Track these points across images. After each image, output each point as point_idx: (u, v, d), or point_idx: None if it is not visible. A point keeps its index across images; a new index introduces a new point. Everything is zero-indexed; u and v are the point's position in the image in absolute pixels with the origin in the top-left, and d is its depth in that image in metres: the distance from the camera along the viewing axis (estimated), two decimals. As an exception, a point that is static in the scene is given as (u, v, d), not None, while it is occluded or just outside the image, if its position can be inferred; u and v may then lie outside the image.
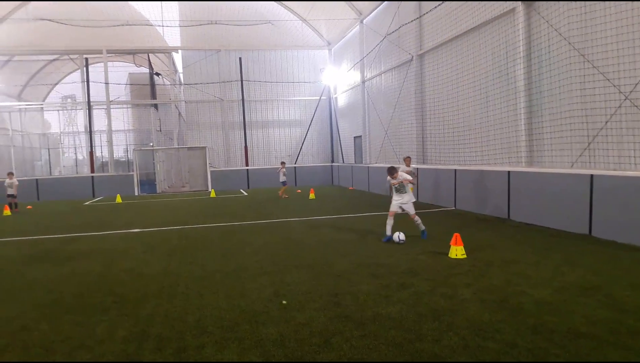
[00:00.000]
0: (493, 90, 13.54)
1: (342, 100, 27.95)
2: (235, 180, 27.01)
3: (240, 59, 27.36)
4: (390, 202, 9.91)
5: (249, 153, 27.90)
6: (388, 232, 9.46)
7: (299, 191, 20.01)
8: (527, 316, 5.11)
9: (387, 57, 20.79)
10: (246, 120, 27.79)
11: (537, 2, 11.76)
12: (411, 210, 9.60)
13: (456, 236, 8.09)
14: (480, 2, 13.92)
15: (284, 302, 5.83)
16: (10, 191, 18.89)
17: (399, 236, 9.23)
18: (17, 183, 19.33)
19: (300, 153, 28.47)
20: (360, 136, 24.67)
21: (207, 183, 26.72)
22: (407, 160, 13.99)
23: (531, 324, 4.87)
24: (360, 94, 24.14)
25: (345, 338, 4.67)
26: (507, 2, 12.66)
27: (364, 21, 23.17)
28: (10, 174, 19.59)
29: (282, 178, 20.13)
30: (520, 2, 12.15)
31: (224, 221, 13.72)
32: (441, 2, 15.62)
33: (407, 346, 4.45)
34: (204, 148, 27.01)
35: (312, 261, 8.06)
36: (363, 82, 23.71)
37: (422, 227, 9.66)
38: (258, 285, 6.71)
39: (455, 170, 14.65)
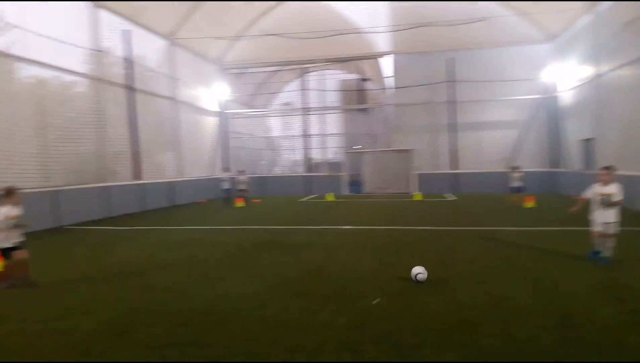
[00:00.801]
0: None
1: (566, 99, 24.98)
2: (441, 184, 26.51)
3: (450, 59, 26.77)
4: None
5: (457, 156, 27.09)
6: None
7: (516, 198, 18.48)
8: None
9: (625, 50, 17.81)
10: (455, 122, 27.04)
11: None
12: (614, 230, 7.78)
13: None
14: None
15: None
16: (241, 186, 21.92)
17: (418, 275, 7.00)
18: (247, 179, 22.35)
19: (515, 156, 26.42)
20: (590, 139, 21.70)
21: (413, 185, 26.83)
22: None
23: None
24: (590, 92, 21.19)
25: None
26: None
27: (595, 10, 20.30)
28: (242, 171, 22.73)
29: (514, 183, 18.65)
30: None
31: (430, 225, 13.50)
32: None
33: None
34: (410, 150, 27.19)
35: (533, 275, 7.29)
36: (594, 78, 20.80)
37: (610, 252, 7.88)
38: (474, 294, 6.35)
39: None
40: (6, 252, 7.06)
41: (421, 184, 26.45)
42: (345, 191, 27.72)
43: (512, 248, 9.63)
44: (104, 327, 5.31)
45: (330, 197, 23.92)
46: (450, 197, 23.45)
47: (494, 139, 27.10)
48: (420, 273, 6.99)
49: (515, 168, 19.06)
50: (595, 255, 8.04)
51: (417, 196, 23.51)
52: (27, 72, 15.24)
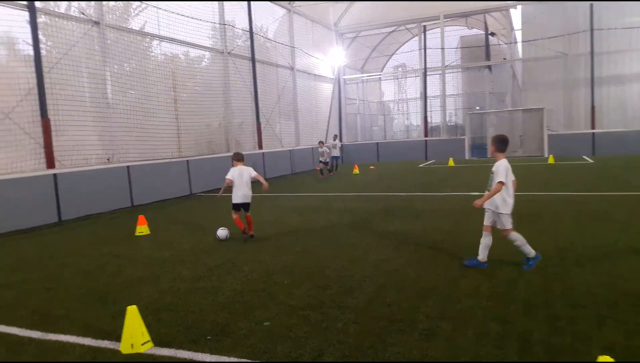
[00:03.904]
0: None
1: None
2: (577, 145, 23.99)
3: (591, 5, 23.72)
4: None
5: (596, 114, 24.28)
6: (480, 254, 5.90)
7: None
8: None
9: None
10: (595, 76, 24.13)
11: None
12: (502, 224, 5.75)
13: None
14: None
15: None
16: (322, 158, 21.03)
17: (223, 233, 8.30)
18: (328, 151, 21.22)
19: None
20: None
21: (544, 148, 24.69)
22: None
23: None
24: None
25: None
26: None
27: None
28: (321, 143, 21.58)
29: None
30: None
31: (568, 191, 12.32)
32: None
33: None
34: (541, 109, 24.90)
35: None
36: None
37: (528, 252, 5.69)
38: (633, 265, 5.65)
39: None
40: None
41: (554, 146, 24.25)
42: (467, 155, 26.36)
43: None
44: (247, 287, 5.60)
45: (450, 162, 22.96)
46: (587, 160, 21.21)
47: (642, 93, 23.88)
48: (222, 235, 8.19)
49: None
50: None
51: (550, 159, 21.63)
52: (159, 49, 16.47)
